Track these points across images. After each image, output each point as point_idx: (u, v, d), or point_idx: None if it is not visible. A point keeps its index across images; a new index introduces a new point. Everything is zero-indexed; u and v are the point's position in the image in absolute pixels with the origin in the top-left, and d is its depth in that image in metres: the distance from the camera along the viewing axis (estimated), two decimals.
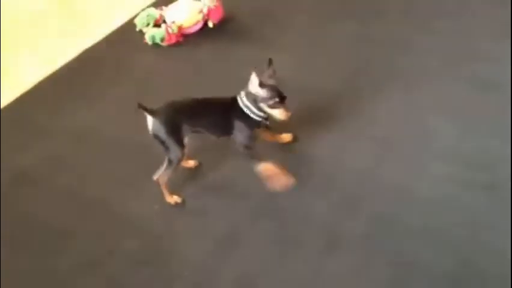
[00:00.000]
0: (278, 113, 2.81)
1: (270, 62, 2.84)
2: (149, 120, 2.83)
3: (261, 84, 2.74)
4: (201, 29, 4.32)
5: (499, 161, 2.98)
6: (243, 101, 2.83)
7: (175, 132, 2.80)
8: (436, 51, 3.85)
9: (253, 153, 2.90)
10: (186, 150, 2.88)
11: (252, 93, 2.78)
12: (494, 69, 3.61)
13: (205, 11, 4.27)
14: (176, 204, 2.96)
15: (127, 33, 4.48)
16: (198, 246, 2.77)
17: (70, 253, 2.81)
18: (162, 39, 4.25)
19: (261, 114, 2.83)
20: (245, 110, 2.82)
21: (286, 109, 2.80)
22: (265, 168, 2.86)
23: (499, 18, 4.05)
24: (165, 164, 2.88)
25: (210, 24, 4.31)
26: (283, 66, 3.87)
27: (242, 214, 2.89)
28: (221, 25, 4.36)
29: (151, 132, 2.83)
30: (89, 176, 3.22)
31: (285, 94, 2.77)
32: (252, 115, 2.83)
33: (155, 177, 2.92)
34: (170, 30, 4.23)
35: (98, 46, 4.38)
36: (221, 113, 2.87)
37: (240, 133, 2.86)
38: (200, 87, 3.72)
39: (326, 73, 3.79)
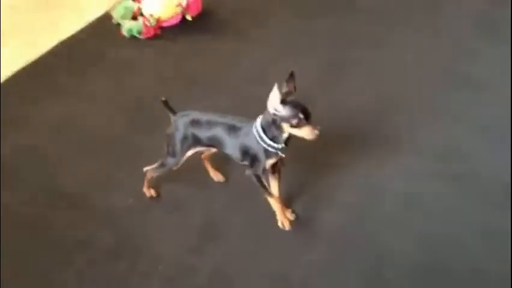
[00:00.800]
0: (304, 133, 2.43)
1: (292, 75, 2.46)
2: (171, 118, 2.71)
3: (283, 101, 2.38)
4: (179, 22, 4.28)
5: (468, 154, 3.05)
6: (257, 129, 2.50)
7: (184, 141, 2.66)
8: (412, 47, 3.89)
9: (261, 183, 2.64)
10: (183, 161, 2.76)
11: (270, 113, 2.42)
12: (469, 65, 3.67)
13: (183, 4, 4.23)
14: (151, 198, 2.94)
15: (104, 25, 4.41)
16: (172, 240, 2.75)
17: (41, 246, 2.76)
18: (139, 32, 4.21)
19: (274, 144, 2.50)
20: (258, 139, 2.50)
21: (314, 126, 2.43)
22: (271, 202, 2.69)
23: (475, 16, 4.12)
24: (159, 163, 2.80)
25: (188, 18, 4.27)
26: (261, 60, 3.90)
27: (217, 208, 2.87)
28: (199, 18, 4.32)
29: (167, 131, 2.72)
30: (63, 169, 3.17)
31: (309, 109, 2.42)
32: (264, 145, 2.51)
33: (145, 169, 2.87)
34: (147, 23, 4.18)
35: (74, 38, 4.31)
36: (235, 137, 2.58)
37: (251, 161, 2.59)
38: (178, 81, 3.72)
39: (303, 68, 3.78)
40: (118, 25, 4.32)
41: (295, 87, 2.46)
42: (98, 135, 3.38)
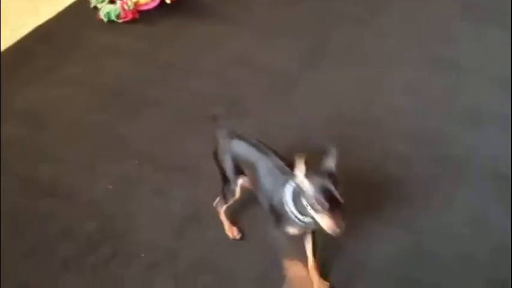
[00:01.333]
0: (320, 220, 1.97)
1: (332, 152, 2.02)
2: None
3: (309, 175, 1.98)
4: (158, 6, 4.21)
5: (452, 139, 3.05)
6: (289, 188, 2.10)
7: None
8: (394, 31, 3.88)
9: (281, 241, 2.27)
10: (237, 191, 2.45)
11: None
12: (452, 49, 3.67)
13: None
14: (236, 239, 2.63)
15: (81, 9, 4.34)
16: (154, 226, 2.72)
17: (23, 236, 2.72)
18: (118, 16, 4.14)
19: (299, 215, 2.09)
20: (285, 198, 2.11)
21: (336, 221, 1.93)
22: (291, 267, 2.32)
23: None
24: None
25: (167, 1, 4.21)
26: (243, 43, 3.87)
27: (201, 194, 2.84)
28: (178, 2, 4.26)
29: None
30: (40, 158, 3.11)
31: (339, 198, 1.94)
32: (288, 210, 2.11)
33: (214, 204, 2.61)
34: (126, 7, 4.11)
35: (51, 23, 4.23)
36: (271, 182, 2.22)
37: (275, 219, 2.22)
38: (157, 65, 3.67)
39: (285, 51, 3.76)
40: (96, 9, 4.25)
41: (335, 162, 2.02)
42: (77, 121, 3.33)
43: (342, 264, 2.48)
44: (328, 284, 2.40)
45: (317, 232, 2.24)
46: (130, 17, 4.15)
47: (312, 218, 2.01)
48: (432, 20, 3.97)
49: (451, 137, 3.06)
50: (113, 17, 4.14)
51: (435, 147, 3.02)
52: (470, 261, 2.48)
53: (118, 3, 4.16)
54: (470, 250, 2.53)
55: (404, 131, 3.12)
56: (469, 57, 3.59)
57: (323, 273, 2.42)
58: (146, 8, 4.20)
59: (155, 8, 4.20)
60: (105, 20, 4.16)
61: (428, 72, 3.50)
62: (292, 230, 2.20)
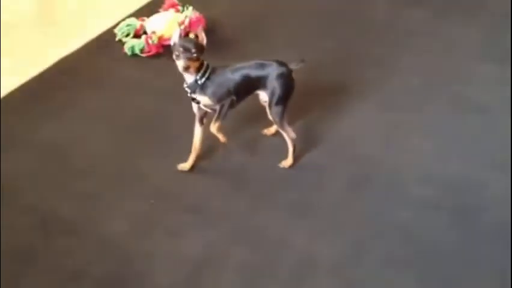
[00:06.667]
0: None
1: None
2: None
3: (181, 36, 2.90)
4: None
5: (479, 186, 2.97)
6: None
7: None
8: (417, 70, 3.81)
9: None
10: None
11: None
12: (477, 90, 3.59)
13: (186, 22, 4.17)
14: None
15: (106, 42, 4.35)
16: (171, 268, 2.67)
17: (32, 276, 2.67)
18: (142, 50, 4.15)
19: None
20: None
21: (185, 61, 2.86)
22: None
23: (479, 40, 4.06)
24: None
25: (191, 35, 4.21)
26: None
27: (217, 236, 2.79)
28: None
29: None
30: (56, 194, 3.09)
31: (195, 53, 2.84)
32: None
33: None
34: (150, 41, 4.12)
35: (75, 56, 4.24)
36: None
37: None
38: (179, 100, 3.64)
39: (308, 89, 3.71)
40: (121, 42, 4.27)
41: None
42: (97, 156, 3.30)
43: None
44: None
45: None
46: (154, 51, 4.15)
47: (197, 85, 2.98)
48: (454, 59, 3.90)
49: (477, 184, 2.96)
50: (137, 51, 4.15)
51: (458, 193, 2.93)
52: None
53: (143, 37, 4.17)
54: None
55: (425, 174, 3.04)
56: (493, 99, 3.51)
57: None
58: (170, 42, 4.20)
59: None
60: (129, 53, 4.17)
61: (450, 112, 3.45)
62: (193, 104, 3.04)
